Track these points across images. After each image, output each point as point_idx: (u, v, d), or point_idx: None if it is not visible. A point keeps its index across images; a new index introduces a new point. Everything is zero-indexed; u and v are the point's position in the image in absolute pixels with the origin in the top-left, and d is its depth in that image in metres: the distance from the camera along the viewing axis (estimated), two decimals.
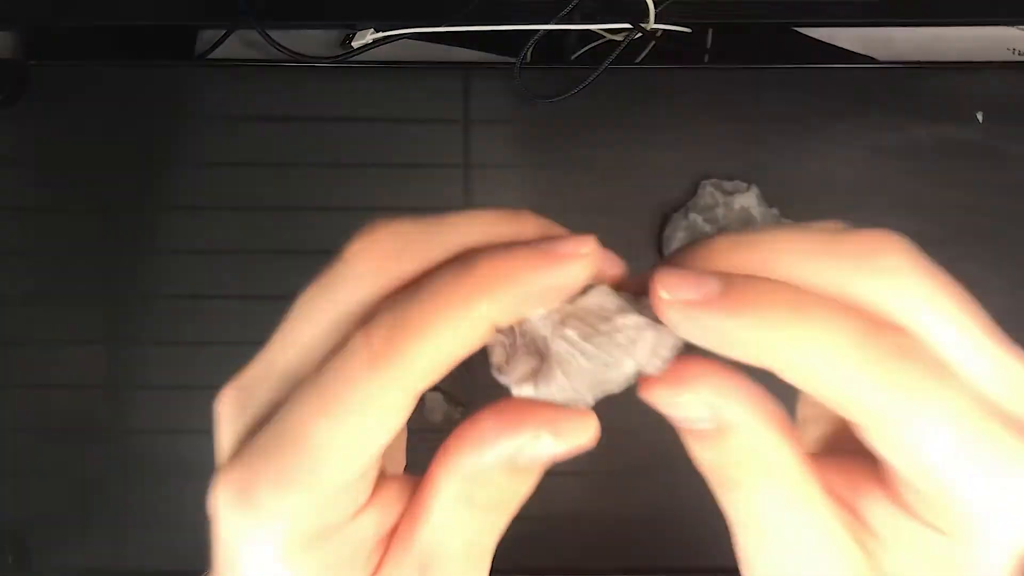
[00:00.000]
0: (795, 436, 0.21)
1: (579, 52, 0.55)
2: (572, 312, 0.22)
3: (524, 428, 0.21)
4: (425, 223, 0.22)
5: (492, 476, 0.21)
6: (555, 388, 0.22)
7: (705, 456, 0.22)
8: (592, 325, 0.22)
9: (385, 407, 0.20)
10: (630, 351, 0.21)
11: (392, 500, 0.22)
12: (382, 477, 0.22)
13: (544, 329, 0.22)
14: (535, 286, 0.20)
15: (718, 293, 0.20)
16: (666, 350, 0.21)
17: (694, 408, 0.21)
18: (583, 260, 0.21)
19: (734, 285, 0.20)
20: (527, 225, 0.22)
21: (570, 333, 0.22)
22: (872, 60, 0.56)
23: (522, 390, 0.22)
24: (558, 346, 0.22)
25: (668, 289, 0.21)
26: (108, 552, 0.49)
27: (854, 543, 0.22)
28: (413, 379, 0.20)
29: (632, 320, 0.22)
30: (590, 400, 0.22)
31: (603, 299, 0.22)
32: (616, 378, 0.22)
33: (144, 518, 0.49)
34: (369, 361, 0.20)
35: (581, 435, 0.21)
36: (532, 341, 0.22)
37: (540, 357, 0.22)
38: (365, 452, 0.20)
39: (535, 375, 0.22)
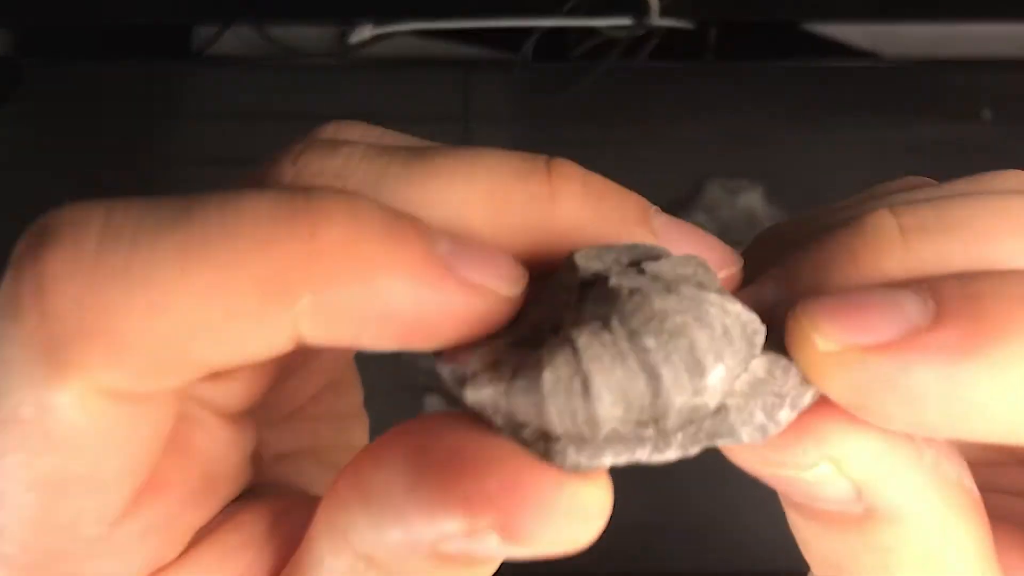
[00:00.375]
0: (985, 521, 0.13)
1: (581, 49, 0.54)
2: (637, 270, 0.12)
3: (451, 510, 0.11)
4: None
5: (404, 563, 0.11)
6: (550, 401, 0.11)
7: (831, 546, 0.13)
8: (683, 295, 0.11)
9: (58, 418, 0.11)
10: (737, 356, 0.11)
11: (240, 547, 0.13)
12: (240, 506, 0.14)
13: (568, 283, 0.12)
14: (392, 303, 0.11)
15: (930, 321, 0.11)
16: (794, 401, 0.12)
17: (830, 483, 0.12)
18: (493, 302, 0.12)
19: (960, 298, 0.11)
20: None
21: (636, 284, 0.12)
22: (878, 57, 0.55)
23: (481, 393, 0.11)
24: (598, 309, 0.12)
25: (830, 331, 0.11)
26: None
27: None
28: (110, 375, 0.11)
29: (751, 320, 0.12)
30: (608, 456, 0.11)
31: (702, 273, 0.12)
32: (689, 404, 0.11)
33: None
34: (40, 337, 0.11)
35: (570, 534, 0.11)
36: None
37: (533, 349, 0.12)
38: (51, 498, 0.11)
39: (511, 371, 0.11)
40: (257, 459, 0.15)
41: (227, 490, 0.14)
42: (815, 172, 0.50)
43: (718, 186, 0.50)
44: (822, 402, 0.12)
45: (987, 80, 0.51)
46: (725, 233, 0.48)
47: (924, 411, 0.11)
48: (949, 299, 0.11)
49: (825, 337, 0.11)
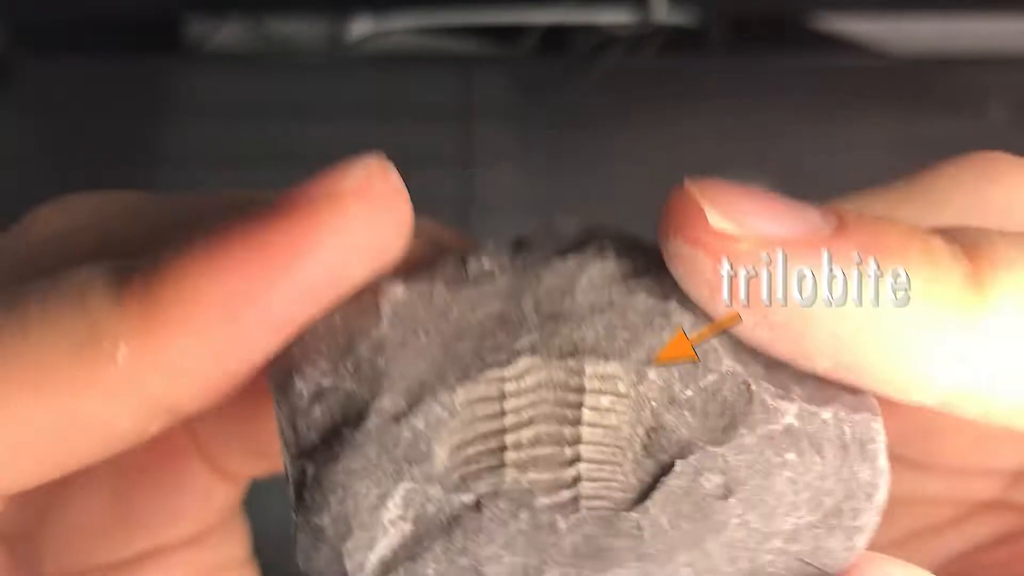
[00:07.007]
0: None
1: (585, 45, 0.54)
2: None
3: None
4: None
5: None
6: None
7: None
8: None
9: None
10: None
11: None
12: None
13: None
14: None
15: (833, 230, 0.10)
16: (862, 500, 0.10)
17: None
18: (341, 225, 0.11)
19: (860, 218, 0.11)
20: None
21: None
22: (886, 54, 0.54)
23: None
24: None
25: (728, 207, 0.10)
26: None
27: None
28: None
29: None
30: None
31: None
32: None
33: None
34: None
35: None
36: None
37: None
38: None
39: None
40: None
41: None
42: (823, 170, 0.50)
43: None
44: None
45: (997, 77, 0.51)
46: None
47: (813, 331, 0.10)
48: (848, 215, 0.10)
49: (720, 214, 0.10)
